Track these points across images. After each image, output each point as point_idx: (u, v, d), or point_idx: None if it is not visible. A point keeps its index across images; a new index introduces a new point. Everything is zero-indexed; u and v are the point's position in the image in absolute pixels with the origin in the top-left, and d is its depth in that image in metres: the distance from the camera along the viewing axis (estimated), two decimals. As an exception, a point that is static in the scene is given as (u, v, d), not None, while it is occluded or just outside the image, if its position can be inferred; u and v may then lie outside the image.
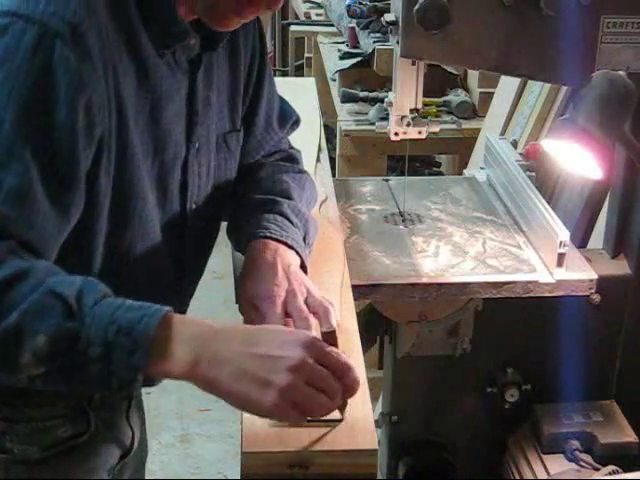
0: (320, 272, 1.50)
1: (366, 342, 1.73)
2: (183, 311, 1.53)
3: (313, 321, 1.27)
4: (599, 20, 1.50)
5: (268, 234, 1.42)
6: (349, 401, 1.17)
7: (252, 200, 1.51)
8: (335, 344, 1.21)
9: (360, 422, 1.15)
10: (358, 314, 1.41)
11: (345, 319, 1.37)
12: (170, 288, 1.47)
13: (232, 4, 1.30)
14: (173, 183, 1.42)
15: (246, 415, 1.16)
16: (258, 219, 1.46)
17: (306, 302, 1.32)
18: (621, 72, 1.56)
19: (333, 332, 1.23)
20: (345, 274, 1.51)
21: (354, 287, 1.50)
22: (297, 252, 1.42)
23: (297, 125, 1.68)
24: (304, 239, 1.48)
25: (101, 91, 1.21)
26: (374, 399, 2.05)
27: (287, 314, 1.30)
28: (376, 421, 1.93)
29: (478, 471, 1.93)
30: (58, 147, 1.17)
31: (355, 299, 1.47)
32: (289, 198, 1.51)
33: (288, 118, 1.65)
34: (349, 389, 1.12)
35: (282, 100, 1.65)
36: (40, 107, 1.16)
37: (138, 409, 1.72)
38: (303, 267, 1.43)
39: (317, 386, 1.09)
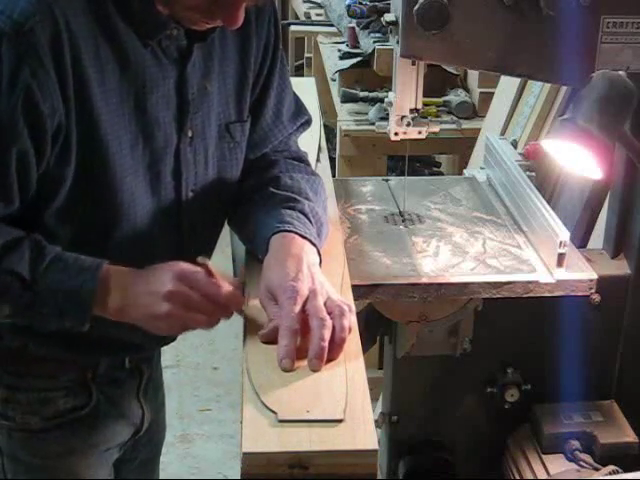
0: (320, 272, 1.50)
1: (366, 342, 1.73)
2: None
3: (329, 322, 1.28)
4: (599, 20, 1.50)
5: (294, 229, 1.43)
6: (349, 401, 1.17)
7: (272, 195, 1.51)
8: (211, 274, 1.34)
9: (360, 422, 1.15)
10: (358, 314, 1.41)
11: (345, 319, 1.37)
12: None
13: (190, 14, 1.35)
14: (165, 171, 1.44)
15: (246, 415, 1.16)
16: (282, 214, 1.46)
17: (324, 304, 1.32)
18: (621, 72, 1.56)
19: (204, 264, 1.34)
20: (345, 274, 1.51)
21: (354, 287, 1.50)
22: (318, 251, 1.44)
23: (308, 125, 1.68)
24: (318, 235, 1.48)
25: (50, 84, 1.28)
26: (374, 399, 2.06)
27: (303, 310, 1.30)
28: (376, 421, 1.93)
29: (478, 471, 1.93)
30: None
31: (355, 299, 1.47)
32: (307, 199, 1.52)
33: (299, 115, 1.65)
34: (230, 305, 1.35)
35: (296, 98, 1.66)
36: None
37: (155, 390, 1.75)
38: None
39: (192, 307, 1.32)
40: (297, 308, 1.29)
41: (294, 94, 1.65)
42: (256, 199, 1.53)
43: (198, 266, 1.34)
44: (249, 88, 1.53)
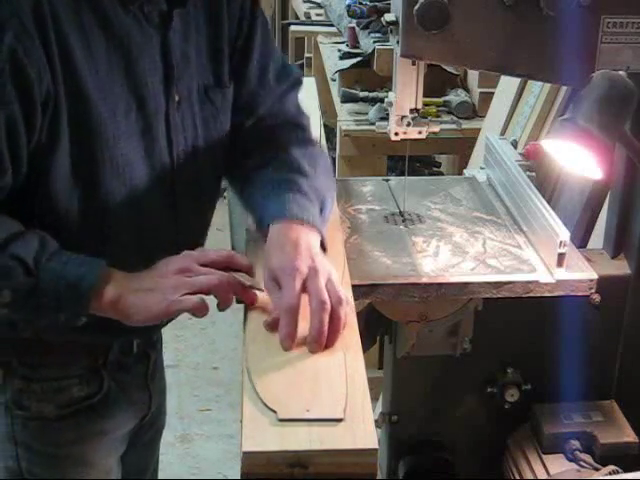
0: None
1: (366, 342, 1.73)
2: None
3: (329, 306, 1.29)
4: (599, 20, 1.50)
5: (290, 215, 1.44)
6: (349, 401, 1.17)
7: (270, 179, 1.53)
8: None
9: (360, 421, 1.15)
10: (358, 314, 1.41)
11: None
12: (169, 244, 1.49)
13: None
14: (158, 136, 1.47)
15: (246, 414, 1.16)
16: (279, 199, 1.48)
17: (325, 285, 1.33)
18: (621, 72, 1.56)
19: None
20: (345, 274, 1.51)
21: (354, 287, 1.50)
22: (320, 232, 1.46)
23: (299, 85, 1.69)
24: (321, 214, 1.50)
25: (35, 50, 1.28)
26: (374, 399, 2.06)
27: (305, 290, 1.32)
28: (376, 421, 1.93)
29: (478, 471, 1.93)
30: None
31: (355, 299, 1.47)
32: (305, 175, 1.53)
33: (287, 74, 1.66)
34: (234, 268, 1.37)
35: (283, 60, 1.68)
36: None
37: (159, 375, 1.78)
38: (322, 245, 1.46)
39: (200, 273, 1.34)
40: (297, 285, 1.31)
41: (282, 58, 1.68)
42: (256, 182, 1.55)
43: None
44: (225, 55, 1.55)
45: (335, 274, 1.37)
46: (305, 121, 1.67)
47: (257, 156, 1.59)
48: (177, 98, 1.48)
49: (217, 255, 1.40)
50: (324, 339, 1.28)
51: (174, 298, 1.32)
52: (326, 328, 1.28)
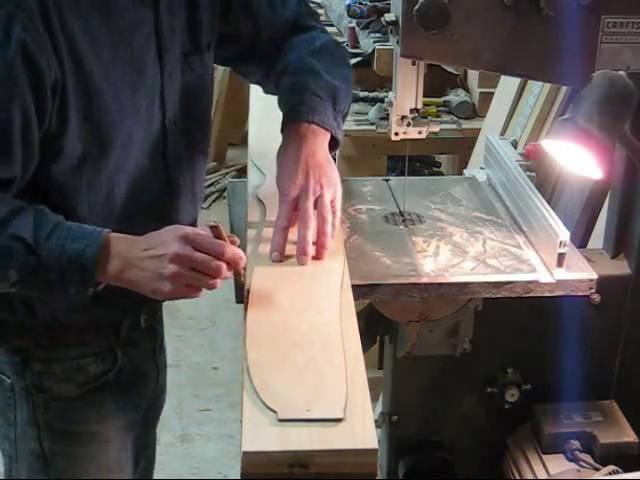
0: (320, 272, 1.50)
1: (366, 342, 1.73)
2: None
3: (312, 223, 1.49)
4: (599, 20, 1.50)
5: (297, 117, 1.58)
6: (349, 400, 1.17)
7: (284, 84, 1.65)
8: (221, 237, 1.40)
9: (360, 422, 1.15)
10: (358, 314, 1.41)
11: (345, 319, 1.37)
12: (165, 208, 1.62)
13: None
14: (154, 108, 1.54)
15: (246, 414, 1.16)
16: (290, 103, 1.61)
17: (317, 200, 1.51)
18: (621, 72, 1.56)
19: (217, 227, 1.40)
20: (345, 274, 1.51)
21: (354, 287, 1.50)
22: (326, 128, 1.59)
23: None
24: (334, 107, 1.61)
25: (42, 39, 1.34)
26: (374, 399, 2.06)
27: (297, 208, 1.51)
28: (376, 421, 1.93)
29: (478, 471, 1.93)
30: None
31: (355, 299, 1.47)
32: (313, 73, 1.62)
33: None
34: (231, 262, 1.39)
35: None
36: None
37: (161, 353, 1.85)
38: (335, 140, 1.63)
39: (198, 269, 1.37)
40: (285, 207, 1.51)
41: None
42: (277, 90, 1.68)
43: (211, 229, 1.40)
44: (204, 14, 1.60)
45: (329, 184, 1.55)
46: (307, 20, 1.76)
47: (273, 72, 1.69)
48: (169, 69, 1.55)
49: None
50: (308, 252, 1.49)
51: (171, 273, 1.37)
52: (308, 242, 1.49)
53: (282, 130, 1.62)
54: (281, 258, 1.50)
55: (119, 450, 1.72)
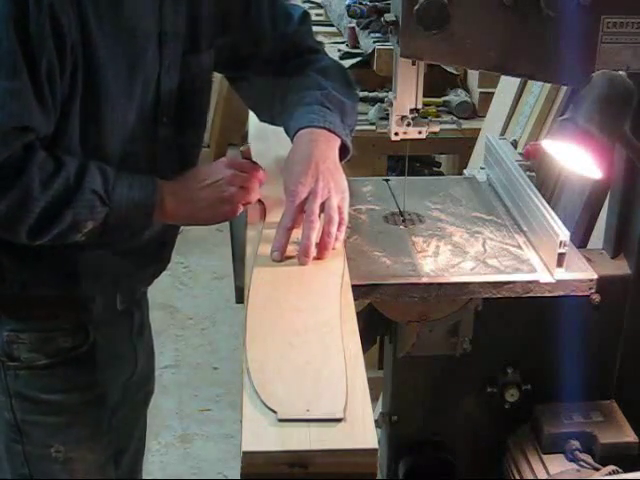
0: (320, 272, 1.50)
1: (366, 342, 1.73)
2: None
3: (316, 224, 1.51)
4: (599, 20, 1.50)
5: (309, 123, 1.62)
6: (349, 400, 1.17)
7: (291, 100, 1.69)
8: (249, 157, 1.69)
9: (360, 422, 1.15)
10: (358, 314, 1.41)
11: (345, 319, 1.37)
12: None
13: None
14: (149, 96, 1.59)
15: (246, 414, 1.16)
16: (300, 112, 1.65)
17: (325, 203, 1.53)
18: (621, 72, 1.56)
19: (247, 150, 1.70)
20: (345, 274, 1.51)
21: (354, 287, 1.50)
22: (337, 134, 1.63)
23: (308, 18, 1.81)
24: (342, 121, 1.65)
25: (66, 1, 1.42)
26: (374, 399, 2.05)
27: (304, 211, 1.53)
28: (376, 421, 1.93)
29: (478, 471, 1.93)
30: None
31: (355, 299, 1.47)
32: (322, 88, 1.68)
33: (293, 15, 1.78)
34: (261, 180, 1.60)
35: (285, 5, 1.80)
36: (20, 21, 1.39)
37: (147, 337, 1.91)
38: (345, 148, 1.66)
39: (246, 185, 1.58)
40: (292, 208, 1.53)
41: (284, 4, 1.80)
42: (285, 107, 1.71)
43: (241, 153, 1.65)
44: (203, 20, 1.64)
45: (337, 189, 1.55)
46: (315, 45, 1.81)
47: (286, 86, 1.73)
48: (167, 62, 1.59)
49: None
50: (310, 253, 1.50)
51: (230, 194, 1.56)
52: (311, 243, 1.50)
53: (292, 137, 1.65)
54: (281, 258, 1.52)
55: (92, 425, 1.76)
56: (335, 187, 1.55)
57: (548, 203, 1.85)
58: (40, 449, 1.72)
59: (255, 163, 1.64)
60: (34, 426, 1.71)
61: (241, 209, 1.60)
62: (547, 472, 1.73)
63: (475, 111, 3.27)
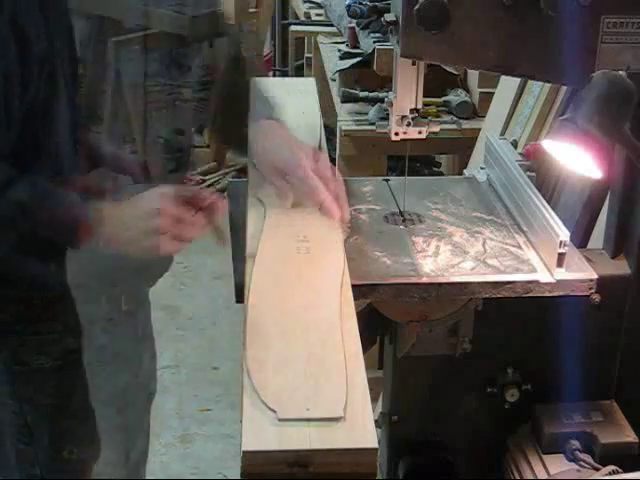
0: (320, 272, 1.50)
1: (366, 342, 1.73)
2: None
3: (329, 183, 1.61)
4: (599, 20, 1.50)
5: (263, 116, 1.70)
6: (349, 400, 1.17)
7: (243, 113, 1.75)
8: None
9: (360, 421, 1.15)
10: (358, 314, 1.41)
11: (345, 318, 1.37)
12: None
13: None
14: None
15: (246, 414, 1.16)
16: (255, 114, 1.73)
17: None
18: (621, 72, 1.56)
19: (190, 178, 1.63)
20: (345, 274, 1.51)
21: (354, 287, 1.50)
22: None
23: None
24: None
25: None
26: (374, 399, 2.05)
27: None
28: (376, 421, 1.93)
29: (478, 471, 1.93)
30: None
31: (355, 299, 1.47)
32: (269, 104, 1.77)
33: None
34: (212, 207, 1.50)
35: None
36: None
37: (145, 338, 1.96)
38: None
39: (183, 221, 1.46)
40: (310, 173, 1.60)
41: None
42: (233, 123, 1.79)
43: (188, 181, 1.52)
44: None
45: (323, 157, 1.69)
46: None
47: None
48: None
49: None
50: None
51: (154, 243, 1.47)
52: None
53: (247, 132, 1.70)
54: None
55: (101, 425, 1.78)
56: (317, 153, 1.69)
57: (548, 203, 1.85)
58: (52, 452, 1.73)
59: (199, 192, 1.56)
60: (45, 429, 1.72)
61: (177, 245, 1.50)
62: (547, 472, 1.73)
63: (475, 111, 3.27)
